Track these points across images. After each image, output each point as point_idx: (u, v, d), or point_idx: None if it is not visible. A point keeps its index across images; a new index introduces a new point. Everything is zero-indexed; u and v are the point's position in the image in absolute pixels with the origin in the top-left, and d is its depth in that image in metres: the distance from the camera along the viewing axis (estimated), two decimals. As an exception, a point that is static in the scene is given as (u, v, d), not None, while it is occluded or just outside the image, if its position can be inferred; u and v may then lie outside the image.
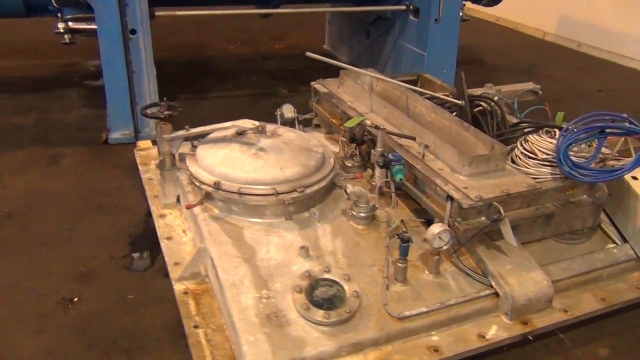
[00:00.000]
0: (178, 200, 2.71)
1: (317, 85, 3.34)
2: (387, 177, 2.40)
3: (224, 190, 2.30)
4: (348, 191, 2.31)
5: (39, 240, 2.71)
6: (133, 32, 3.52)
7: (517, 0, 6.88)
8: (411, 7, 4.42)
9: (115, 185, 3.24)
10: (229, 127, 2.47)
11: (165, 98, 2.67)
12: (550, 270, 2.26)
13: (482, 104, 3.04)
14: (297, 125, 3.20)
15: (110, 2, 3.36)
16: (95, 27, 3.50)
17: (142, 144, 3.49)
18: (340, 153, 2.80)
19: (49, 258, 2.58)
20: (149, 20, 3.54)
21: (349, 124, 2.64)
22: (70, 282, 2.43)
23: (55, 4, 3.60)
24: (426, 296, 2.10)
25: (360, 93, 3.04)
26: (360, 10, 5.02)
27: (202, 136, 2.64)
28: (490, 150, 2.36)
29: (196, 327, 2.03)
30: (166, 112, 2.54)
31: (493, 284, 2.16)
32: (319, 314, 1.93)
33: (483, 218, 2.17)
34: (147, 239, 2.71)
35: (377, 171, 2.44)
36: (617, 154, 2.44)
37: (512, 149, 2.49)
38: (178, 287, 2.22)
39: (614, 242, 2.48)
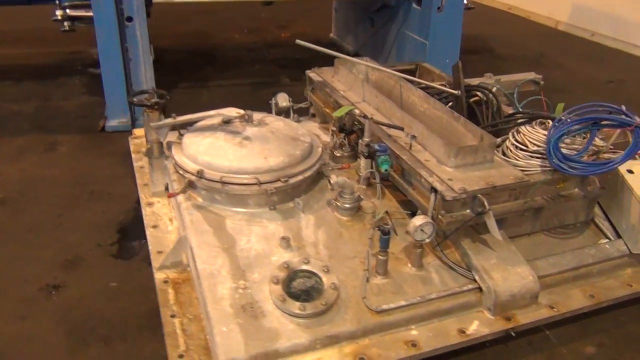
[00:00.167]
0: (167, 188, 2.70)
1: (311, 73, 3.29)
2: (372, 167, 2.35)
3: (206, 179, 2.28)
4: (332, 181, 2.27)
5: (29, 226, 2.73)
6: (129, 19, 3.51)
7: (529, -12, 6.75)
8: (414, -6, 4.35)
9: (109, 172, 3.25)
10: (214, 116, 2.45)
11: (153, 86, 2.65)
12: (538, 265, 2.21)
13: (478, 93, 2.97)
14: (292, 115, 3.16)
15: (106, -11, 3.36)
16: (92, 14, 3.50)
17: (137, 131, 3.47)
18: (330, 143, 2.76)
19: (37, 244, 2.60)
20: (144, 7, 3.51)
21: (337, 113, 2.59)
22: (56, 268, 2.44)
23: (52, -9, 3.61)
24: (407, 290, 2.06)
25: (353, 82, 2.99)
26: (364, -3, 4.95)
27: (190, 124, 2.62)
28: (479, 142, 2.30)
29: (173, 316, 2.02)
30: (153, 100, 2.52)
31: (477, 278, 2.11)
32: (294, 306, 1.90)
33: (468, 211, 2.12)
34: (135, 227, 2.71)
35: (362, 161, 2.40)
36: (612, 147, 2.36)
37: (504, 140, 2.44)
38: (159, 276, 2.21)
39: (607, 237, 2.40)
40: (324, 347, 1.90)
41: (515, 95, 3.22)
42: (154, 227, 2.52)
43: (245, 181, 2.27)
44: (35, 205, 2.89)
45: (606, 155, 2.30)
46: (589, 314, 2.23)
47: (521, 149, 2.32)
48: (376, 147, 2.31)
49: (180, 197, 2.37)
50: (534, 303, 2.13)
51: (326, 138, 2.90)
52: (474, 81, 3.18)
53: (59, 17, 3.67)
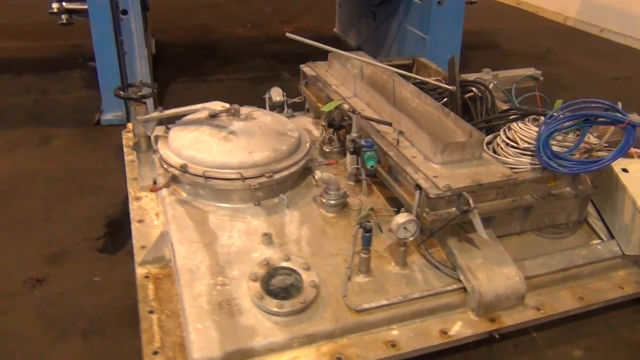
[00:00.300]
0: (155, 182, 2.68)
1: (305, 68, 3.25)
2: (357, 163, 2.31)
3: (190, 174, 2.25)
4: (316, 177, 2.23)
5: (18, 219, 2.73)
6: (124, 12, 3.49)
7: (538, -17, 6.64)
8: (414, -12, 4.28)
9: (101, 166, 3.24)
10: (199, 109, 2.42)
11: (141, 80, 2.63)
12: (526, 266, 2.15)
13: (473, 89, 2.91)
14: (286, 109, 3.13)
15: (100, -18, 3.35)
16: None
17: (131, 125, 3.46)
18: (320, 138, 2.72)
19: (24, 237, 2.60)
20: (139, 0, 3.49)
21: (326, 108, 2.55)
22: (41, 262, 2.43)
23: (48, -17, 3.60)
24: (389, 289, 2.02)
25: (345, 77, 2.94)
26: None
27: (178, 118, 2.59)
28: (468, 138, 2.25)
29: (151, 312, 2.00)
30: (140, 93, 2.50)
31: (461, 278, 2.06)
32: (272, 304, 1.87)
33: (454, 209, 2.07)
34: (123, 222, 2.69)
35: (348, 157, 2.36)
36: (607, 144, 2.29)
37: (496, 137, 2.38)
38: (140, 271, 2.19)
39: (599, 237, 2.34)
40: (301, 346, 1.86)
41: (513, 91, 3.16)
42: (140, 221, 2.49)
43: (229, 176, 2.24)
44: (26, 198, 2.89)
45: (600, 153, 2.24)
46: (579, 316, 2.18)
47: (511, 146, 2.26)
48: (362, 142, 2.27)
49: (165, 192, 2.35)
50: (521, 304, 2.07)
51: (318, 133, 2.86)
52: (471, 77, 3.13)
53: (55, 10, 3.66)
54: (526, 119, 2.36)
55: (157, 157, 2.54)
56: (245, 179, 2.23)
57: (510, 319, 2.03)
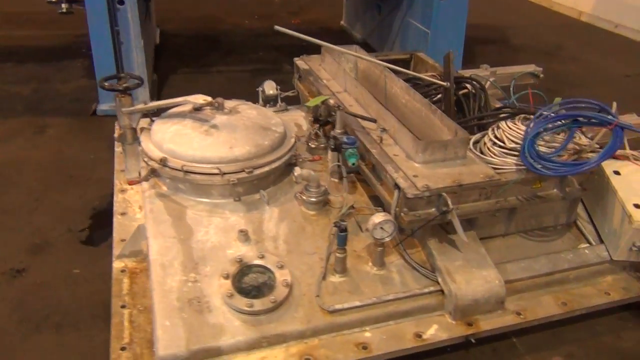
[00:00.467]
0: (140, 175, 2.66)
1: (299, 61, 3.21)
2: (338, 160, 2.26)
3: (169, 168, 2.23)
4: (295, 174, 2.19)
5: (5, 209, 2.74)
6: (121, 2, 3.47)
7: (551, -24, 6.47)
8: (417, -19, 4.20)
9: (93, 157, 3.23)
10: (182, 102, 2.39)
11: (125, 71, 2.60)
12: (508, 269, 2.10)
13: (468, 86, 2.84)
14: (279, 103, 3.09)
15: (96, -29, 3.33)
16: (84, -4, 3.47)
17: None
18: (307, 133, 2.67)
19: (9, 227, 2.60)
20: (135, -10, 3.47)
21: (311, 102, 2.51)
22: (23, 253, 2.44)
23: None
24: (364, 289, 1.98)
25: (337, 71, 2.89)
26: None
27: (164, 110, 2.57)
28: (453, 136, 2.18)
29: (123, 306, 1.99)
30: (124, 85, 2.47)
31: (439, 280, 2.01)
32: (242, 302, 1.84)
33: (433, 209, 2.02)
34: (108, 214, 2.67)
35: (329, 154, 2.31)
36: (599, 145, 2.22)
37: (484, 136, 2.31)
38: (117, 265, 2.18)
39: (588, 241, 2.27)
40: (270, 346, 1.84)
41: (512, 89, 3.07)
42: (123, 214, 2.48)
43: (208, 171, 2.20)
44: (15, 187, 2.90)
45: (590, 155, 2.17)
46: (563, 322, 2.12)
47: (498, 146, 2.20)
48: (344, 139, 2.22)
49: (146, 185, 2.33)
50: (500, 309, 2.02)
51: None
52: (468, 73, 3.05)
53: (54, -1, 3.66)
54: (517, 117, 2.29)
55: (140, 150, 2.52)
56: (224, 174, 2.20)
57: (488, 323, 1.98)
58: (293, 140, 2.46)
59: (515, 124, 2.23)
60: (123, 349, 1.82)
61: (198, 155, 2.23)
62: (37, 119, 3.64)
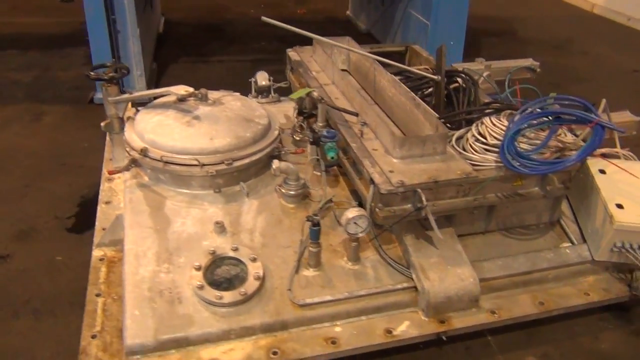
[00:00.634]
0: (127, 164, 2.68)
1: (291, 52, 3.19)
2: (317, 154, 2.25)
3: (149, 158, 2.24)
4: (274, 167, 2.18)
5: (-5, 195, 2.78)
6: (117, -10, 3.48)
7: (563, -33, 6.33)
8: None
9: (87, 145, 3.26)
10: (164, 93, 2.39)
11: (114, 59, 2.61)
12: (484, 267, 2.07)
13: (458, 79, 2.80)
14: (272, 94, 3.08)
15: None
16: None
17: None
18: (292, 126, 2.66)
19: (-2, 213, 2.65)
20: (132, -21, 3.48)
21: (294, 95, 2.49)
22: (9, 239, 2.47)
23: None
24: (337, 284, 1.97)
25: (326, 63, 2.87)
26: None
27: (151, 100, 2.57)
28: (434, 132, 2.15)
29: (98, 295, 2.01)
30: (110, 74, 2.48)
31: (413, 276, 1.99)
32: (211, 294, 1.85)
33: (409, 205, 2.00)
34: (95, 202, 2.70)
35: (309, 147, 2.30)
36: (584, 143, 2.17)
37: (468, 131, 2.28)
38: (96, 253, 2.20)
39: (570, 241, 2.23)
40: (239, 338, 1.84)
41: (507, 83, 3.02)
42: (107, 203, 2.51)
43: (187, 162, 2.21)
44: (6, 174, 2.94)
45: (573, 153, 2.12)
46: (542, 322, 2.09)
47: (480, 142, 2.16)
48: (324, 133, 2.21)
49: (128, 175, 2.34)
50: (474, 307, 2.00)
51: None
52: (462, 66, 3.00)
53: (52, -13, 3.68)
54: (502, 113, 2.25)
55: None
56: (204, 165, 2.20)
57: (460, 321, 1.96)
58: (277, 132, 2.45)
59: (499, 120, 2.19)
60: (94, 336, 1.84)
61: (178, 146, 2.23)
62: (35, 106, 3.68)
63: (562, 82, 4.45)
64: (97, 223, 2.36)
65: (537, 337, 2.06)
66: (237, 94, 2.70)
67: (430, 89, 2.87)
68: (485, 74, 3.04)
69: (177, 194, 2.26)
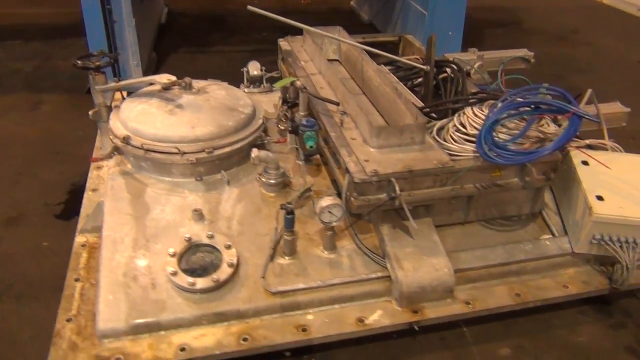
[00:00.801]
0: (116, 153, 2.71)
1: (282, 42, 3.19)
2: (296, 143, 2.25)
3: (131, 146, 2.26)
4: (253, 155, 2.18)
5: (-13, 182, 2.83)
6: (113, -20, 3.50)
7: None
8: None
9: (81, 134, 3.29)
10: (148, 81, 2.41)
11: (102, 49, 2.64)
12: (461, 258, 2.06)
13: (447, 69, 2.77)
14: (264, 83, 3.09)
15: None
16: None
17: (117, 95, 3.50)
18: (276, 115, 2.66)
19: (-11, 200, 2.69)
20: (127, -32, 3.49)
21: (278, 84, 2.49)
22: (-2, 224, 2.52)
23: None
24: (311, 272, 1.98)
25: (314, 53, 2.86)
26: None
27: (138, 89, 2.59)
28: (414, 121, 2.14)
29: (77, 280, 2.04)
30: (97, 63, 2.51)
31: (388, 266, 1.99)
32: (184, 280, 1.87)
33: (384, 195, 1.99)
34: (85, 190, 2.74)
35: (288, 137, 2.30)
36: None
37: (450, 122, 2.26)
38: (79, 239, 2.24)
39: (551, 232, 2.20)
40: (211, 324, 1.86)
41: (499, 73, 2.98)
42: (94, 190, 2.54)
43: (168, 150, 2.23)
44: (0, 162, 2.98)
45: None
46: (520, 313, 2.08)
47: (460, 132, 2.15)
48: (303, 122, 2.21)
49: (112, 162, 2.37)
50: (449, 297, 2.00)
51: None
52: (454, 56, 2.98)
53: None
54: (485, 103, 2.23)
55: (112, 128, 2.56)
56: (184, 153, 2.22)
57: (434, 311, 1.96)
58: (260, 122, 2.46)
59: (480, 110, 2.17)
60: (69, 320, 1.87)
61: (160, 134, 2.25)
62: (33, 95, 3.73)
63: (564, 72, 4.39)
64: (82, 210, 2.40)
65: (513, 329, 2.05)
66: (225, 83, 2.71)
67: (420, 79, 2.86)
68: (477, 64, 3.01)
69: (159, 181, 2.28)
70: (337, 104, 2.32)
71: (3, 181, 2.82)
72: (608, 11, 6.18)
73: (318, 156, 2.41)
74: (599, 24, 5.74)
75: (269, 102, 2.86)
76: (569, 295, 2.06)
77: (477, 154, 2.02)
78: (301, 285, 1.93)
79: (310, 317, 1.92)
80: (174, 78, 2.38)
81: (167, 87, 2.44)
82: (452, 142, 2.11)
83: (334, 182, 2.32)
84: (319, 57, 2.77)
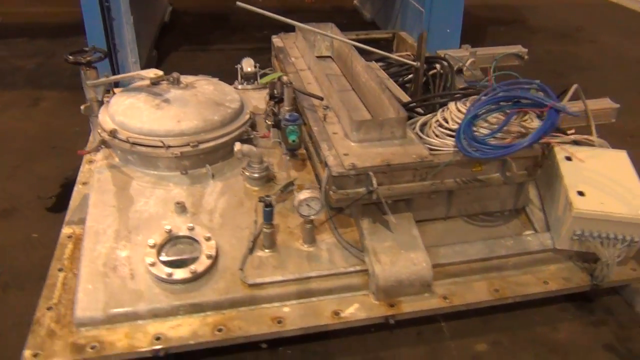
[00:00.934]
0: (108, 147, 2.75)
1: (275, 39, 3.20)
2: (278, 137, 2.26)
3: (118, 139, 2.29)
4: (235, 149, 2.20)
5: (-17, 175, 2.89)
6: (111, -22, 3.55)
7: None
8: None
9: (78, 129, 3.34)
10: (134, 76, 2.44)
11: (94, 44, 2.68)
12: (441, 253, 2.06)
13: (437, 66, 2.78)
14: (258, 80, 3.11)
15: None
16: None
17: (116, 91, 3.55)
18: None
19: (-17, 193, 2.75)
20: (125, -34, 3.54)
21: (264, 80, 2.51)
22: (-11, 216, 2.57)
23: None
24: (290, 265, 1.99)
25: (304, 49, 2.87)
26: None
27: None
28: (396, 116, 2.15)
29: (60, 270, 2.08)
30: (88, 58, 2.55)
31: (366, 260, 2.00)
32: (162, 271, 1.89)
33: (363, 189, 2.00)
34: (77, 183, 2.79)
35: (270, 131, 2.32)
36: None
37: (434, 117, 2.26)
38: (65, 231, 2.27)
39: (534, 228, 2.19)
40: (188, 315, 1.89)
41: (492, 70, 2.97)
42: (84, 183, 2.57)
43: (153, 143, 2.25)
44: (-1, 156, 3.05)
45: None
46: (501, 309, 2.07)
47: (443, 127, 2.15)
48: (286, 116, 2.22)
49: (100, 156, 2.41)
50: (427, 292, 2.00)
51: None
52: (446, 53, 2.97)
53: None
54: (470, 98, 2.23)
55: (102, 122, 2.60)
56: (169, 147, 2.24)
57: (410, 305, 1.96)
58: (247, 116, 2.48)
59: (463, 105, 2.17)
60: (49, 308, 1.91)
61: (146, 128, 2.28)
62: (34, 92, 3.79)
63: (565, 70, 4.35)
64: (71, 202, 2.43)
65: (492, 325, 2.04)
66: (215, 79, 2.74)
67: (410, 75, 2.86)
68: (469, 61, 3.01)
69: (145, 174, 2.31)
70: (321, 98, 2.34)
71: (0, 174, 2.88)
72: (614, 9, 6.11)
73: (304, 151, 2.43)
74: (605, 21, 5.68)
75: (262, 99, 2.88)
76: (549, 292, 2.05)
77: (457, 149, 2.02)
78: (278, 278, 1.94)
79: (286, 309, 1.93)
80: (161, 73, 2.40)
81: (155, 82, 2.47)
82: (434, 136, 2.11)
83: (318, 176, 2.34)
84: (308, 53, 2.78)
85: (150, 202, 2.18)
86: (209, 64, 4.42)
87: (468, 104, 2.17)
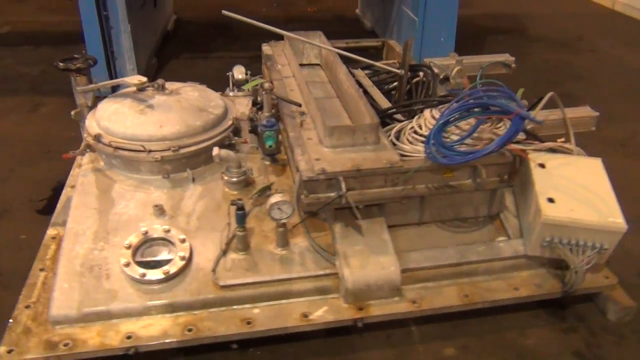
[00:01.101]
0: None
1: (265, 47, 3.26)
2: (256, 142, 2.31)
3: (102, 143, 2.36)
4: (213, 154, 2.26)
5: (-21, 179, 2.98)
6: (109, -13, 3.64)
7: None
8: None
9: (73, 134, 3.41)
10: (120, 83, 2.51)
11: (84, 51, 2.76)
12: (411, 258, 2.09)
13: (420, 73, 2.81)
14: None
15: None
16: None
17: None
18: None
19: (-22, 195, 2.83)
20: (123, -23, 3.63)
21: (247, 85, 2.56)
22: (-18, 218, 2.65)
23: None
24: (262, 268, 2.03)
25: (290, 57, 2.93)
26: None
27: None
28: (370, 122, 2.18)
29: (42, 269, 2.14)
30: (78, 65, 2.63)
31: (336, 263, 2.03)
32: (136, 271, 1.95)
33: (334, 193, 2.03)
34: (69, 186, 2.86)
35: (248, 137, 2.37)
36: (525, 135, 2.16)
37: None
38: (50, 232, 2.34)
39: (507, 235, 2.21)
40: (160, 314, 1.93)
41: (478, 78, 2.99)
42: (72, 187, 2.64)
43: (134, 147, 2.32)
44: (-6, 160, 3.14)
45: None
46: (471, 315, 2.08)
47: (417, 133, 2.18)
48: (263, 122, 2.27)
49: (86, 159, 2.48)
50: (396, 295, 2.02)
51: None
52: (431, 61, 3.01)
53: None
54: (446, 105, 2.26)
55: (91, 127, 2.67)
56: (150, 151, 2.30)
57: (379, 309, 1.98)
58: (230, 122, 2.53)
59: (439, 112, 2.20)
60: (27, 306, 1.97)
61: (129, 133, 2.34)
62: (35, 98, 3.89)
63: (560, 79, 4.35)
64: (58, 204, 2.51)
65: (461, 330, 2.06)
66: (203, 86, 2.81)
67: (395, 83, 2.90)
68: (456, 69, 3.03)
69: (127, 178, 2.37)
70: (299, 105, 2.38)
71: (-6, 178, 2.97)
72: (617, 18, 6.08)
73: (285, 156, 2.48)
74: (605, 30, 5.66)
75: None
76: (519, 298, 2.06)
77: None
78: (249, 280, 1.99)
79: (256, 310, 1.97)
80: (144, 79, 2.47)
81: (140, 88, 2.54)
82: (407, 143, 2.15)
83: (294, 181, 2.38)
84: (293, 60, 2.83)
85: (131, 204, 2.24)
86: (208, 71, 4.50)
87: (441, 111, 2.20)
